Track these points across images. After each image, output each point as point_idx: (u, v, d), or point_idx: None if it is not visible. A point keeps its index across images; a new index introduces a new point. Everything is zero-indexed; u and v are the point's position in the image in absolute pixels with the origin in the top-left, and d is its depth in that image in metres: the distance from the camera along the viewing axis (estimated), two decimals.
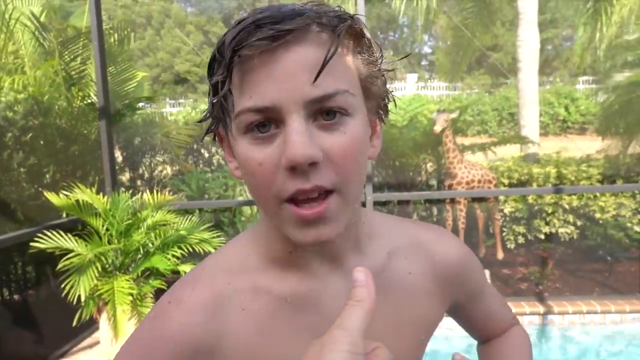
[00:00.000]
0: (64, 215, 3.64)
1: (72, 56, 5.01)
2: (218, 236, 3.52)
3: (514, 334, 0.77)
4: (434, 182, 5.74)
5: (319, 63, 0.45)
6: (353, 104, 0.49)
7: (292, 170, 0.46)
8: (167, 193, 3.66)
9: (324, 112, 0.47)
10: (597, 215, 4.84)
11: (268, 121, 0.47)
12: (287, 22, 0.45)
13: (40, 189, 4.24)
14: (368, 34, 0.52)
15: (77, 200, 3.24)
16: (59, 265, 2.95)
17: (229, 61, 0.46)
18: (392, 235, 0.63)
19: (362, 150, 0.50)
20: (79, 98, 5.04)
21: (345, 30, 0.47)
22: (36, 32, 4.93)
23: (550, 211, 4.95)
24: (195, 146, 6.49)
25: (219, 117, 0.52)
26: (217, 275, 0.56)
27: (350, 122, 0.48)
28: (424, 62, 23.92)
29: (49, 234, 3.04)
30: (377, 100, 0.54)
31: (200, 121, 0.55)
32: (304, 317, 0.56)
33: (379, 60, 0.53)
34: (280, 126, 0.47)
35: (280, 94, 0.46)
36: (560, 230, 4.93)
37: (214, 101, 0.50)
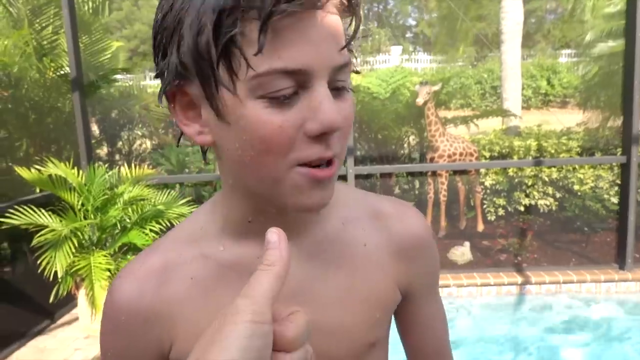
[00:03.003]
0: (37, 190, 3.55)
1: (43, 25, 4.81)
2: None
3: None
4: (416, 155, 5.74)
5: (342, 31, 0.47)
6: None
7: (316, 137, 0.45)
8: (146, 167, 3.59)
9: (336, 82, 0.47)
10: (576, 187, 4.90)
11: (293, 87, 0.45)
12: None
13: (11, 164, 4.12)
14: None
15: (50, 175, 3.15)
16: (33, 242, 2.89)
17: (267, 15, 0.41)
18: (352, 205, 0.61)
19: None
20: (52, 69, 4.86)
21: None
22: (3, 0, 4.71)
23: (530, 183, 4.99)
24: (175, 119, 6.35)
25: (196, 73, 0.46)
26: (170, 248, 0.57)
27: (348, 92, 0.49)
28: (408, 35, 23.68)
29: (21, 209, 2.96)
30: None
31: (157, 76, 0.49)
32: None
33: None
34: (300, 91, 0.45)
35: (312, 57, 0.44)
36: (540, 202, 4.99)
37: (211, 55, 0.44)
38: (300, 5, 0.42)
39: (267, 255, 0.39)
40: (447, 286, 3.81)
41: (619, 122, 4.78)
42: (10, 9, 4.78)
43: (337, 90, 0.47)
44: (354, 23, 0.47)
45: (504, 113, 7.01)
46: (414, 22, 23.53)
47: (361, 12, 0.49)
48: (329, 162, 0.48)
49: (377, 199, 0.64)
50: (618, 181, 4.24)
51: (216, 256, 0.56)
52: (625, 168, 3.84)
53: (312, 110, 0.45)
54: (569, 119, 7.19)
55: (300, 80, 0.44)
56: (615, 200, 4.61)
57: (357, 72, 0.54)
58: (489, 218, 5.11)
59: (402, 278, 0.61)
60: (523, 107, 8.75)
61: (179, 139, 0.57)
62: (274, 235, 0.40)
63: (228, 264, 0.55)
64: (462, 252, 4.39)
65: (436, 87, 4.94)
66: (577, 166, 4.90)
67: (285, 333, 0.37)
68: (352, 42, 0.48)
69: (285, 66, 0.43)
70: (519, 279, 3.83)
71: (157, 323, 0.54)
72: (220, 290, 0.55)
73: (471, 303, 3.79)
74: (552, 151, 4.99)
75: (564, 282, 3.81)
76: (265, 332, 0.36)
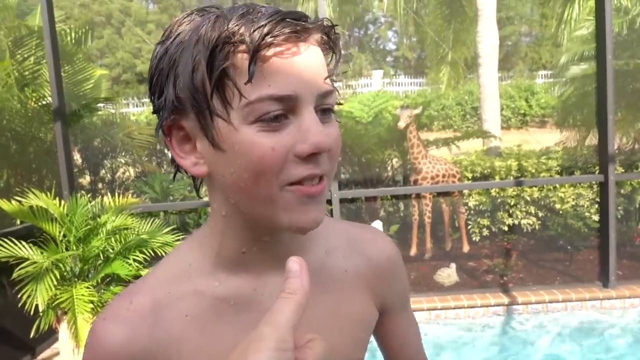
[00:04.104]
0: (18, 222, 3.49)
1: (24, 56, 4.81)
2: (182, 239, 3.45)
3: None
4: (400, 177, 5.79)
5: (324, 63, 0.52)
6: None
7: (307, 157, 0.48)
8: (129, 196, 3.55)
9: (322, 106, 0.51)
10: (557, 205, 4.98)
11: (282, 110, 0.48)
12: (305, 22, 0.49)
13: None
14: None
15: (31, 206, 3.10)
16: (14, 275, 2.83)
17: (255, 47, 0.46)
18: (330, 234, 0.64)
19: None
20: (33, 99, 4.84)
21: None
22: None
23: (512, 203, 5.06)
24: (158, 146, 6.34)
25: (192, 107, 0.50)
26: (156, 286, 0.55)
27: (334, 117, 0.53)
28: (389, 59, 24.12)
29: (0, 242, 2.90)
30: None
31: (155, 113, 0.53)
32: (248, 317, 0.55)
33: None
34: (290, 116, 0.49)
35: (298, 84, 0.48)
36: (523, 221, 5.05)
37: (205, 87, 0.48)
38: (284, 39, 0.47)
39: (289, 283, 0.40)
40: (434, 308, 3.81)
41: (596, 140, 4.91)
42: None
43: (323, 112, 0.51)
44: (334, 57, 0.53)
45: (484, 134, 7.15)
46: (394, 47, 24.01)
47: (341, 43, 0.54)
48: (319, 180, 0.51)
49: (351, 227, 0.68)
50: (598, 199, 4.32)
51: (212, 291, 0.55)
52: (603, 187, 3.92)
53: (302, 133, 0.48)
54: (548, 138, 7.35)
55: (289, 105, 0.48)
56: (596, 218, 4.69)
57: (340, 104, 0.58)
58: (473, 239, 5.15)
59: (379, 298, 0.66)
60: (503, 127, 8.94)
61: (175, 174, 0.58)
62: (295, 264, 0.41)
63: (225, 299, 0.55)
64: (448, 274, 4.41)
65: (417, 111, 5.03)
66: (557, 185, 5.00)
67: None
68: (335, 74, 0.54)
69: (274, 93, 0.47)
70: (506, 300, 3.85)
71: None
72: (222, 326, 0.55)
73: (459, 325, 3.78)
74: (533, 171, 5.08)
75: (550, 302, 3.84)
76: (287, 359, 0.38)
